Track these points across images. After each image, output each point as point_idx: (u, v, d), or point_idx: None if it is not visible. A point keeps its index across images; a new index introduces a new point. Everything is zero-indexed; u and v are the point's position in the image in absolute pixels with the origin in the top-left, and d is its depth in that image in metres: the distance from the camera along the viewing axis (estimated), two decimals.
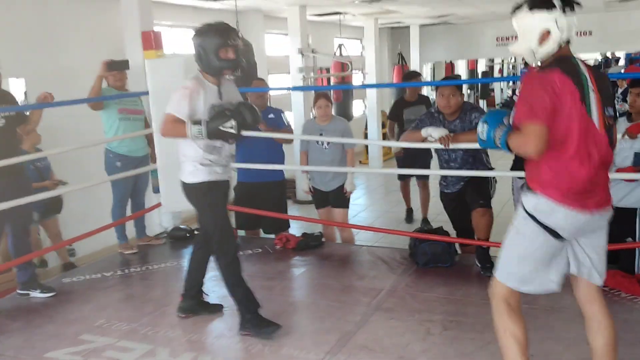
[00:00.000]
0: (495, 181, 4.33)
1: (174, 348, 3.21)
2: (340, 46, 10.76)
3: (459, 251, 4.62)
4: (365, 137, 12.40)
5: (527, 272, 2.39)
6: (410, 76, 7.26)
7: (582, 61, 2.31)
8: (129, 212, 5.14)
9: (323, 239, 5.07)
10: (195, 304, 3.61)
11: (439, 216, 5.07)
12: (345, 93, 10.41)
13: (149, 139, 5.02)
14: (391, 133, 6.95)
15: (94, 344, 3.30)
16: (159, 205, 5.15)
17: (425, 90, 18.38)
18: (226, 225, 3.33)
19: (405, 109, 6.60)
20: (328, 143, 4.90)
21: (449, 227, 4.66)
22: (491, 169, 4.31)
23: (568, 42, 2.30)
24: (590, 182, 2.25)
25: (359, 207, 8.92)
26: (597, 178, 2.26)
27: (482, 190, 4.19)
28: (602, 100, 2.26)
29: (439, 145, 4.00)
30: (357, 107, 13.73)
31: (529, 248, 2.36)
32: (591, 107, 2.22)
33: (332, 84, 10.93)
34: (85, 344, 3.30)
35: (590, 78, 2.25)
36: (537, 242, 2.33)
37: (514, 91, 24.80)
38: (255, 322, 3.27)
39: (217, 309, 3.65)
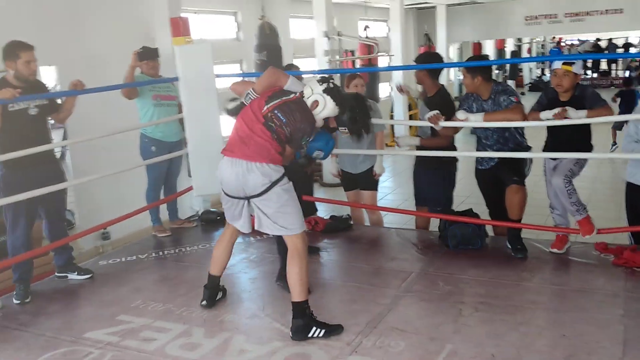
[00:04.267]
0: (531, 161, 4.29)
1: (209, 328, 3.28)
2: (365, 28, 10.69)
3: (491, 233, 4.62)
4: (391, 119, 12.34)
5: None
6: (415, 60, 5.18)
7: (286, 97, 3.13)
8: (162, 196, 5.24)
9: (351, 222, 5.09)
10: None
11: (468, 198, 5.04)
12: (371, 76, 10.36)
13: (183, 124, 5.08)
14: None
15: (131, 325, 3.39)
16: (190, 188, 5.23)
17: (453, 75, 18.16)
18: None
19: (422, 103, 4.81)
20: None
21: (478, 209, 4.64)
22: (527, 148, 4.27)
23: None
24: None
25: (386, 190, 8.93)
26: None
27: (516, 167, 4.17)
28: (277, 107, 3.08)
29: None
30: (383, 90, 13.65)
31: None
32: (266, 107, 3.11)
33: (357, 66, 10.88)
34: (123, 325, 3.40)
35: (280, 98, 3.12)
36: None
37: (542, 71, 24.39)
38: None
39: None
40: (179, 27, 5.78)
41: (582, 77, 3.98)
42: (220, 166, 3.19)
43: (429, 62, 4.74)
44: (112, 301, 3.77)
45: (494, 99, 4.12)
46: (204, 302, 3.53)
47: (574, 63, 3.82)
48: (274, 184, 3.08)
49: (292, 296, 3.11)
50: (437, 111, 4.21)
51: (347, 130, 3.29)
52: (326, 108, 3.11)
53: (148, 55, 5.00)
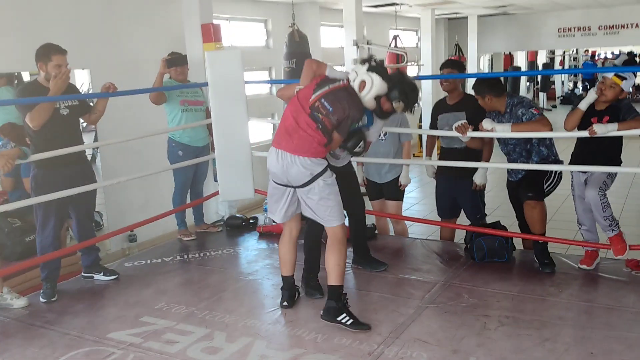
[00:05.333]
0: (559, 175, 4.18)
1: (230, 333, 3.29)
2: (395, 37, 10.67)
3: (520, 246, 4.54)
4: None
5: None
6: (446, 65, 4.87)
7: (333, 85, 3.23)
8: (188, 200, 5.28)
9: (376, 231, 5.06)
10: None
11: (495, 211, 4.97)
12: None
13: (210, 129, 5.13)
14: (429, 150, 5.14)
15: (154, 326, 3.42)
16: (216, 193, 5.27)
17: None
18: None
19: (440, 114, 4.74)
20: (385, 134, 4.86)
21: (506, 221, 4.58)
22: (555, 161, 4.18)
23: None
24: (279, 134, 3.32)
25: (412, 200, 8.87)
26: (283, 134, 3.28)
27: (533, 182, 4.11)
28: (323, 96, 3.18)
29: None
30: None
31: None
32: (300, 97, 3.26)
33: None
34: (146, 326, 3.42)
35: (327, 86, 3.22)
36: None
37: (575, 84, 24.02)
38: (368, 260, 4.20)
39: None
40: (210, 33, 5.84)
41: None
42: (268, 155, 3.34)
43: (455, 67, 4.84)
44: (136, 302, 3.81)
45: (510, 112, 4.11)
46: (285, 303, 3.60)
47: (625, 78, 3.73)
48: (316, 176, 3.21)
49: (328, 280, 3.30)
50: (464, 120, 4.19)
51: (401, 105, 3.26)
52: (374, 86, 3.20)
53: (176, 61, 5.08)
